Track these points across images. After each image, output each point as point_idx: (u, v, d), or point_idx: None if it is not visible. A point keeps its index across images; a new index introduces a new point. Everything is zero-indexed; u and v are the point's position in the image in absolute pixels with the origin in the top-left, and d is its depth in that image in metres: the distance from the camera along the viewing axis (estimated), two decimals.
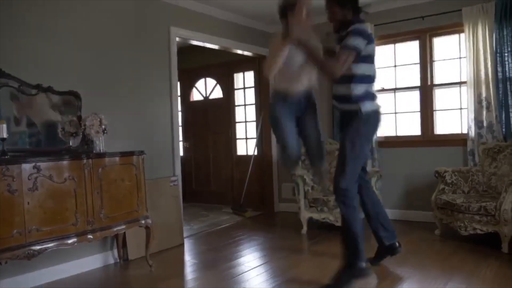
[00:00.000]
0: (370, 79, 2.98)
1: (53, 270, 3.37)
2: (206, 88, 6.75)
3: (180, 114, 6.03)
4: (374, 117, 2.99)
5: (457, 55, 4.79)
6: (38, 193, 2.81)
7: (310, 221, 4.64)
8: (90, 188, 3.12)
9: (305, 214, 4.59)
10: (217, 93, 6.64)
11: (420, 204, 4.82)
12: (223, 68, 6.39)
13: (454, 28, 4.68)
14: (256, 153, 6.06)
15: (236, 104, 6.44)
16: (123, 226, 3.35)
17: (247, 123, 6.35)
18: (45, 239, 2.84)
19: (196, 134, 6.83)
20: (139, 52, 4.15)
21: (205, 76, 6.72)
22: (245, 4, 4.88)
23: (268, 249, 4.16)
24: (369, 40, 2.87)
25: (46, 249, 2.84)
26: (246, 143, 6.40)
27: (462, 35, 4.58)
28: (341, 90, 2.99)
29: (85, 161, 3.12)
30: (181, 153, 4.78)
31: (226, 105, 6.47)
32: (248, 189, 6.05)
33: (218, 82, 6.59)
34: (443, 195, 4.16)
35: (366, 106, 2.91)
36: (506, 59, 4.32)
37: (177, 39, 4.54)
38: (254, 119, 6.19)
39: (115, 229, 3.29)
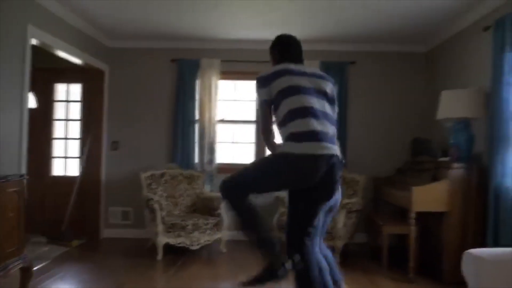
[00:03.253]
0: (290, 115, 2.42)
1: None
2: None
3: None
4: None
5: None
6: None
7: (154, 247, 4.62)
8: None
9: (162, 240, 4.53)
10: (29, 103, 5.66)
11: None
12: (42, 74, 5.53)
13: None
14: (79, 174, 5.48)
15: (55, 118, 5.66)
16: (10, 267, 2.66)
17: (68, 140, 5.67)
18: None
19: None
20: None
21: None
22: (98, 15, 4.58)
23: (135, 280, 3.91)
24: (267, 80, 2.48)
25: None
26: (65, 162, 5.69)
27: None
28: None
29: None
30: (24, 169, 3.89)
31: (42, 118, 5.60)
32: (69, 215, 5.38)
33: (33, 90, 5.63)
34: None
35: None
36: None
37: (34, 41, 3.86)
38: (78, 136, 5.60)
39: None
